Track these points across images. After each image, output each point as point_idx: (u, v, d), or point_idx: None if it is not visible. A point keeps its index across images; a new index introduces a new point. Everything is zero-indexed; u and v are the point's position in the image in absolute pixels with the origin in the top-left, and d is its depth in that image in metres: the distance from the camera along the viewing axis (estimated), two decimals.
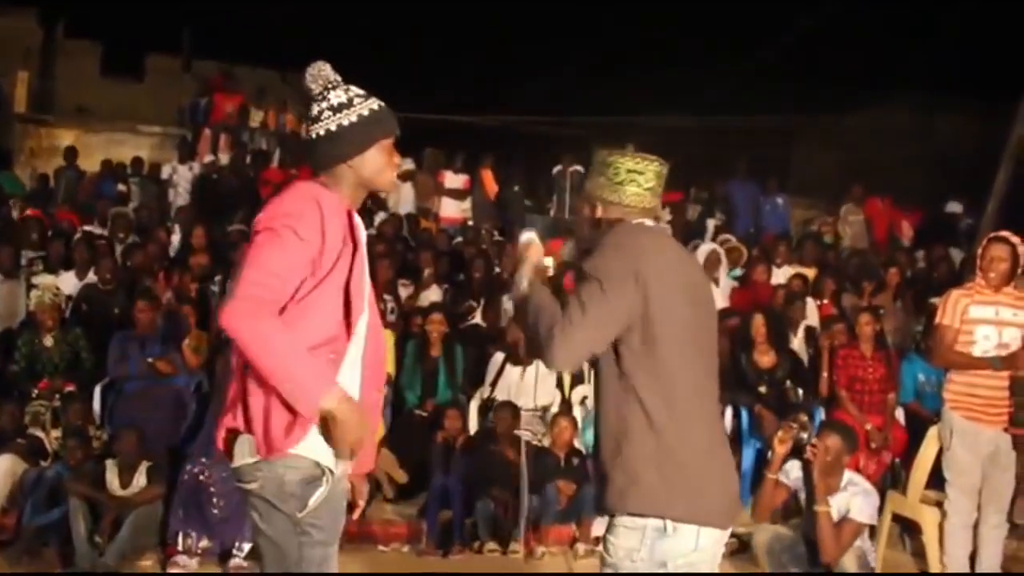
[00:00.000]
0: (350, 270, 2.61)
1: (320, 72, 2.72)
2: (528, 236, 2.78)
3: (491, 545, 6.01)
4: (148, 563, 5.62)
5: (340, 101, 2.68)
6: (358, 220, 2.74)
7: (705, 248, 8.74)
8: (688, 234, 10.79)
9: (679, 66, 15.52)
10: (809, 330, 8.01)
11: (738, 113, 15.26)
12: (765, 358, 7.22)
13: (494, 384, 7.13)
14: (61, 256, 8.47)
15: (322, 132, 2.67)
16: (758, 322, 7.23)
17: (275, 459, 2.49)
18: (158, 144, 15.15)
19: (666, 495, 2.43)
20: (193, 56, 17.56)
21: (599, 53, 17.74)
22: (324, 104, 2.69)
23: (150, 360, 6.55)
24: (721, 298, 8.11)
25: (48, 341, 6.85)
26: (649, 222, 2.71)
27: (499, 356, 7.23)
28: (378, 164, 2.72)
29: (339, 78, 2.74)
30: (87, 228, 9.82)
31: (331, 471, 2.56)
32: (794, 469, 5.06)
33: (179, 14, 17.56)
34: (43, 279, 7.85)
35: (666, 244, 2.70)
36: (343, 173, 2.69)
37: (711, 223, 11.95)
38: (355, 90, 2.73)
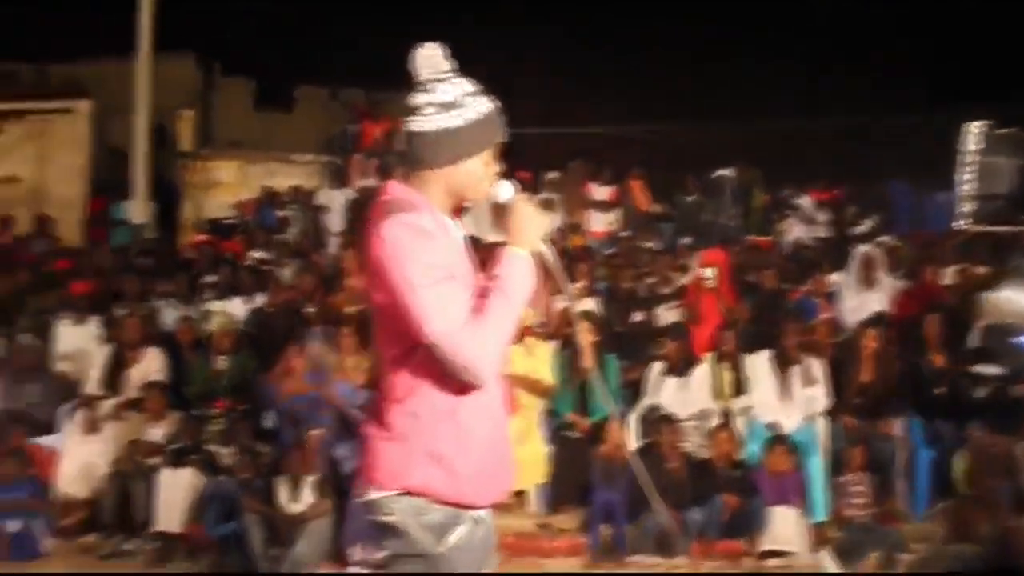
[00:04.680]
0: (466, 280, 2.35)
1: (430, 58, 2.36)
2: None
3: (655, 559, 5.94)
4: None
5: (446, 99, 2.33)
6: (450, 223, 2.41)
7: (859, 251, 8.31)
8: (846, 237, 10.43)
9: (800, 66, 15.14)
10: None
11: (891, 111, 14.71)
12: (939, 359, 6.91)
13: (652, 395, 7.01)
14: (229, 283, 8.89)
15: (418, 130, 2.34)
16: (932, 323, 6.98)
17: (415, 496, 2.32)
18: (311, 172, 15.69)
19: None
20: (340, 84, 18.27)
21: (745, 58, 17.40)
22: (426, 97, 2.34)
23: None
24: (880, 301, 7.80)
25: (221, 364, 7.26)
26: None
27: (656, 366, 7.12)
28: (475, 176, 2.38)
29: (452, 68, 2.38)
30: (255, 254, 10.29)
31: (471, 515, 2.37)
32: None
33: (326, 45, 18.27)
34: (214, 305, 8.28)
35: None
36: (431, 178, 2.36)
37: (868, 223, 11.49)
38: (467, 86, 2.37)
